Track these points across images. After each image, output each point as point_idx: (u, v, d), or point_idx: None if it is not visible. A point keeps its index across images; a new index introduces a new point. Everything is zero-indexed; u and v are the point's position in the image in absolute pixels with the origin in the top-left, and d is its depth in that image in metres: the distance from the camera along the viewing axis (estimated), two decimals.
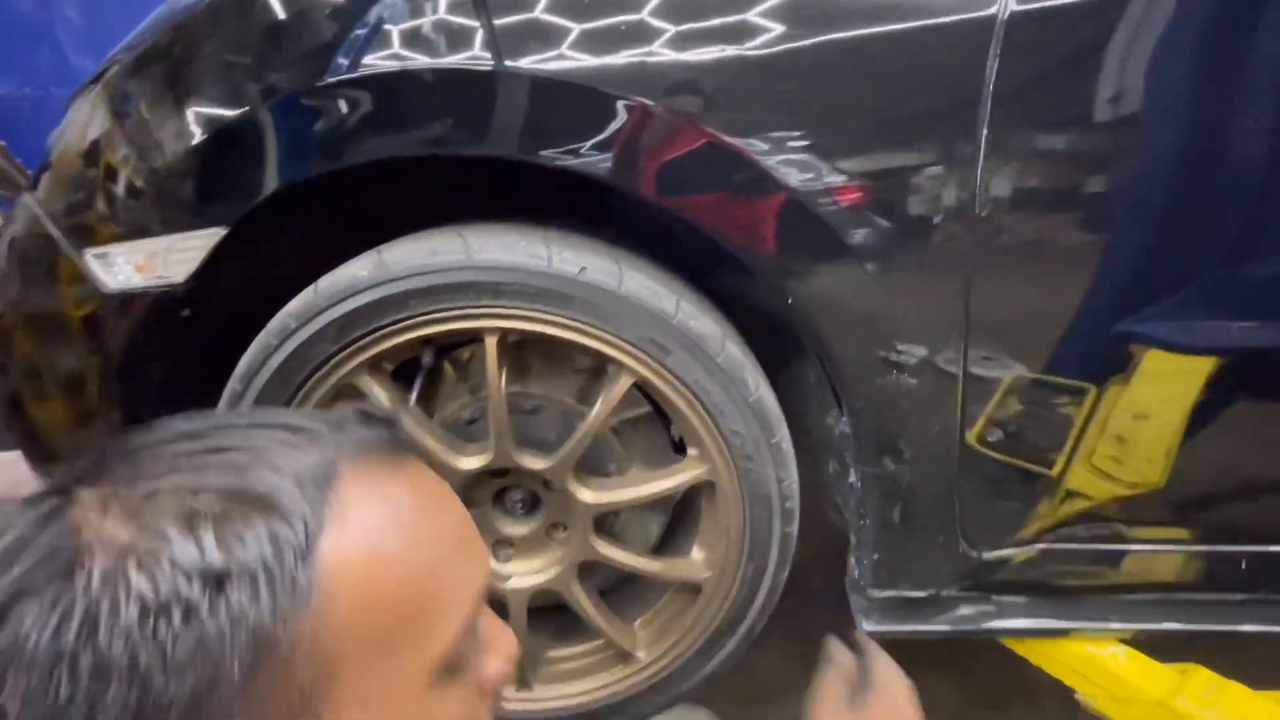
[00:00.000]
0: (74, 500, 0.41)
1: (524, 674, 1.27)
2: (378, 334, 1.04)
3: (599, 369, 1.12)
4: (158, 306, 1.06)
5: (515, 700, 1.27)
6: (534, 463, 1.12)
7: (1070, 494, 1.07)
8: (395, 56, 0.94)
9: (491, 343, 1.05)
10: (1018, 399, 1.00)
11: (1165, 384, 0.99)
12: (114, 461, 0.44)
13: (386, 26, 0.94)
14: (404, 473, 0.49)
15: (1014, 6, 0.85)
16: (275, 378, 1.05)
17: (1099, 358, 1.00)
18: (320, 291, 1.03)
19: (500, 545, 1.24)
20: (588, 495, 1.14)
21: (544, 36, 0.91)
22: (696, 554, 1.19)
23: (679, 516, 1.30)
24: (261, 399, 1.06)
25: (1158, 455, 1.03)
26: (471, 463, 1.13)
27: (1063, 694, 1.17)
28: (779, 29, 0.88)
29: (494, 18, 0.92)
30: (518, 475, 1.18)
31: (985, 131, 0.88)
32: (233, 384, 1.08)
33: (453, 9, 0.93)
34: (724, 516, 1.12)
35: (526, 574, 1.22)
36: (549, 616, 1.31)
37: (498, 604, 1.20)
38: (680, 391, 1.05)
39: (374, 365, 1.08)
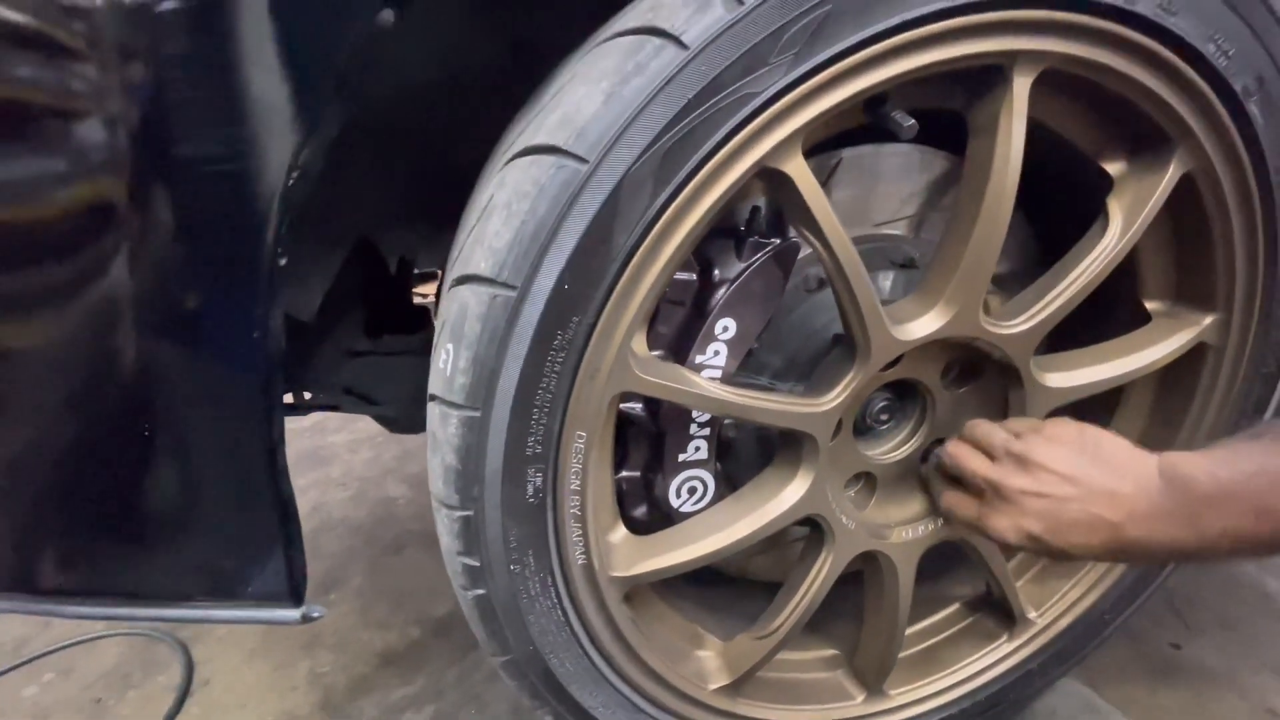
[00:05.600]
0: None
1: (867, 678, 0.84)
2: (836, 68, 0.51)
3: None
4: None
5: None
6: (1001, 329, 0.67)
7: None
8: None
9: (1023, 85, 0.57)
10: None
11: None
12: None
13: None
14: None
15: None
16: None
17: None
18: None
19: (849, 484, 0.77)
20: (1056, 378, 0.72)
21: None
22: None
23: None
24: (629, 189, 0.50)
25: None
26: (917, 330, 0.65)
27: None
28: None
29: None
30: (918, 364, 0.72)
31: None
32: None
33: None
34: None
35: (915, 521, 0.77)
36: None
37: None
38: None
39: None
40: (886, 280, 0.79)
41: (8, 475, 0.61)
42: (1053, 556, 0.65)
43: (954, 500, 0.71)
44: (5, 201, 0.51)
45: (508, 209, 0.51)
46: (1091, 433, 0.64)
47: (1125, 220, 0.69)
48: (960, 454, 0.70)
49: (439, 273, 1.24)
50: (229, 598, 0.66)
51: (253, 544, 0.64)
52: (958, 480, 0.71)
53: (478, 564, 0.59)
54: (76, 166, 0.50)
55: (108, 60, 0.47)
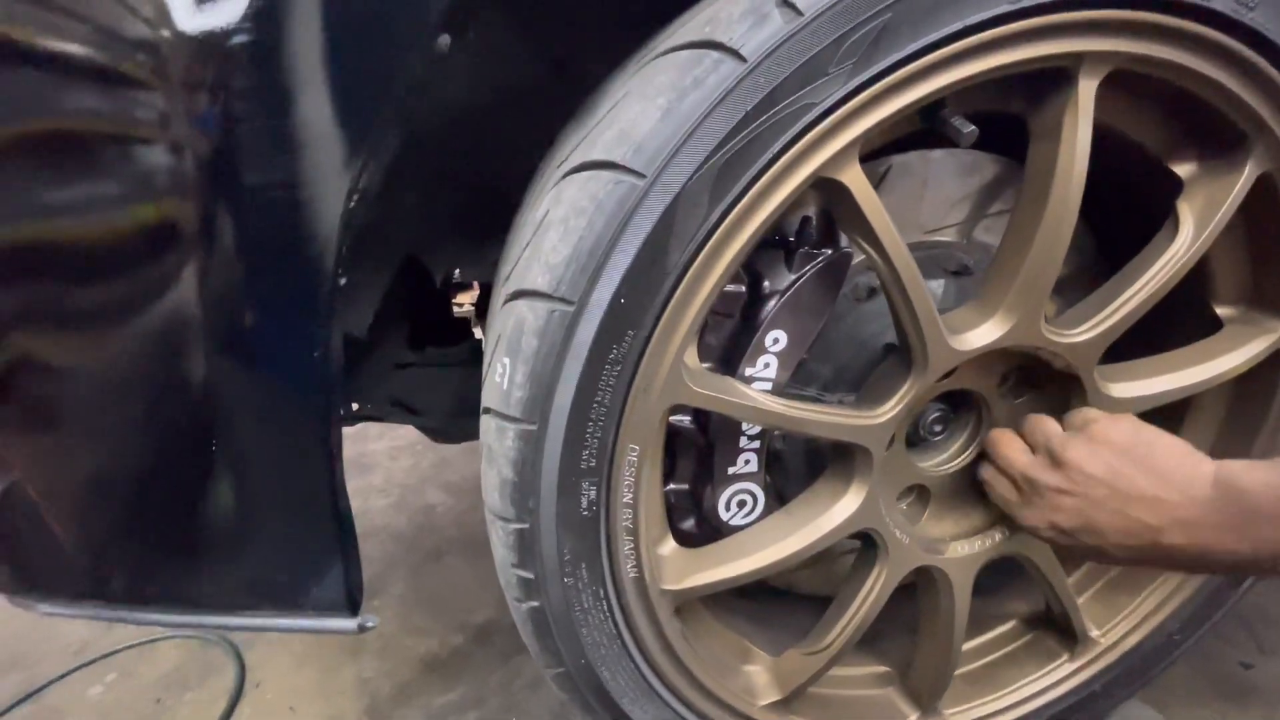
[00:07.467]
0: None
1: (921, 696, 0.82)
2: (896, 75, 0.50)
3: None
4: None
5: None
6: (1065, 337, 0.65)
7: None
8: None
9: (1089, 87, 0.55)
10: None
11: None
12: None
13: None
14: None
15: None
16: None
17: None
18: None
19: (902, 497, 0.76)
20: (1121, 388, 0.70)
21: None
22: None
23: None
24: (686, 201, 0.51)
25: None
26: (976, 340, 0.63)
27: None
28: None
29: None
30: (974, 373, 0.70)
31: None
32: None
33: None
34: None
35: (972, 535, 0.75)
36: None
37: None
38: None
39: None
40: (938, 288, 0.78)
41: (85, 490, 0.64)
42: (1086, 556, 0.65)
43: (993, 477, 0.71)
44: (100, 234, 0.53)
45: (564, 224, 0.51)
46: (1147, 435, 0.62)
47: (1197, 224, 0.66)
48: (1000, 442, 0.70)
49: (475, 283, 1.25)
50: (289, 607, 0.68)
51: (311, 556, 0.66)
52: None
53: (532, 577, 0.59)
54: (154, 194, 0.52)
55: (189, 95, 0.49)
